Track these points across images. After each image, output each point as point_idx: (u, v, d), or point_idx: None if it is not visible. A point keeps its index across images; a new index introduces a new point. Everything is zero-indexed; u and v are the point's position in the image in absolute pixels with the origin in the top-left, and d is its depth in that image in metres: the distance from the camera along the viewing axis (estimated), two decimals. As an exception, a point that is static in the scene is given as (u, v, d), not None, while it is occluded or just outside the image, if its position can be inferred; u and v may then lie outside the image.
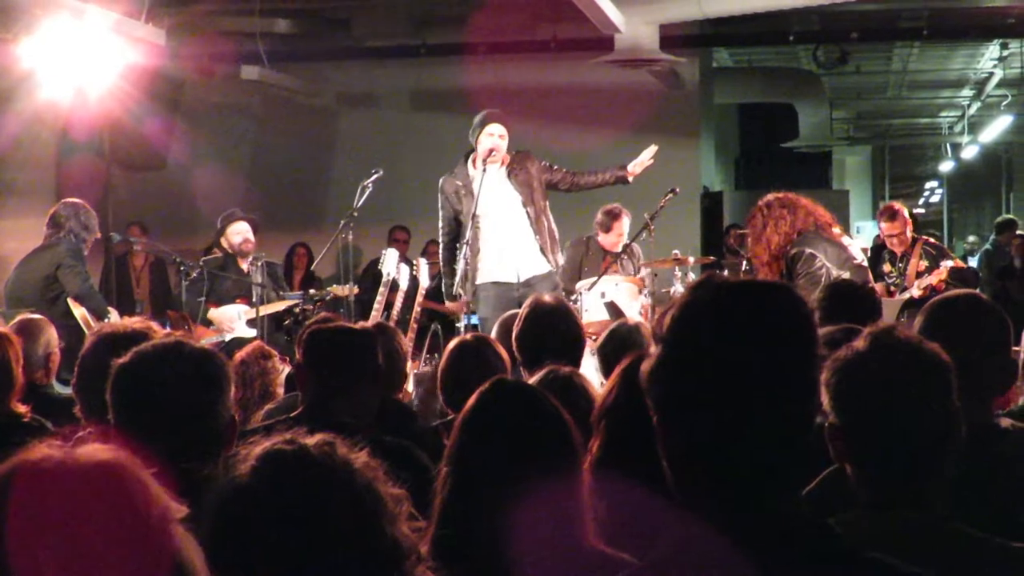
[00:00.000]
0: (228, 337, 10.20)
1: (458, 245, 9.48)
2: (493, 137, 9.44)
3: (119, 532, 1.58)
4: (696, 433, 1.87)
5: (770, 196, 8.92)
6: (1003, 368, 3.39)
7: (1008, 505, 2.96)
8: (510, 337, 5.77)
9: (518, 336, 5.52)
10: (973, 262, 19.68)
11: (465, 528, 2.71)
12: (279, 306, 10.18)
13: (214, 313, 10.41)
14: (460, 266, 9.30)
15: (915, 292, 10.66)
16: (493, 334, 6.44)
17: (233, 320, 10.42)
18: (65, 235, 9.58)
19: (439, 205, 9.69)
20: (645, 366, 1.94)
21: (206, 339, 10.10)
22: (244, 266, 10.53)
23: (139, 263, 13.71)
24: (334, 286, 10.37)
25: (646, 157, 9.71)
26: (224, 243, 10.68)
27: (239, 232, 10.63)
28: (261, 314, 10.04)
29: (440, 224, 9.72)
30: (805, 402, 1.89)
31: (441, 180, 9.70)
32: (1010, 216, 20.20)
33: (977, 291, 4.61)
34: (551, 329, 5.46)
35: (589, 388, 4.00)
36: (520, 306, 7.44)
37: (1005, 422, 3.31)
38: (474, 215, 9.34)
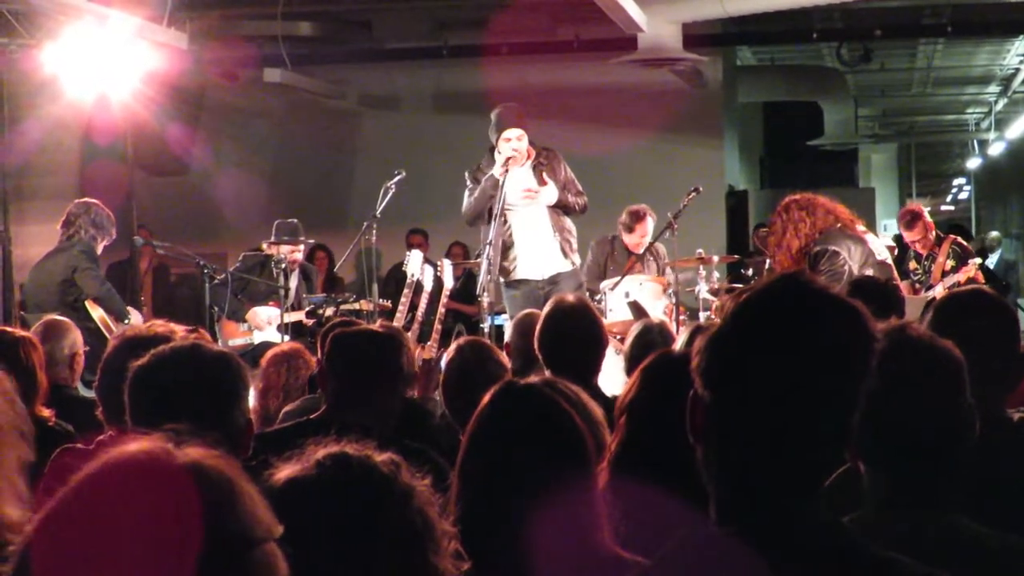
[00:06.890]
0: (257, 340, 10.23)
1: (481, 245, 9.42)
2: (510, 143, 9.33)
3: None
4: (741, 416, 1.86)
5: (788, 199, 8.78)
6: (1015, 363, 3.36)
7: (1020, 500, 2.94)
8: (524, 337, 5.72)
9: (539, 337, 5.45)
10: (993, 258, 19.62)
11: (481, 541, 2.64)
12: (303, 314, 10.24)
13: (249, 313, 10.45)
14: (484, 265, 9.22)
15: (939, 291, 10.59)
16: (508, 335, 6.41)
17: (264, 322, 10.44)
18: (75, 234, 9.56)
19: (467, 182, 9.56)
20: (707, 338, 1.91)
21: (233, 340, 10.14)
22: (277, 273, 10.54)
23: (144, 267, 13.67)
24: (362, 301, 10.30)
25: None
26: (270, 248, 10.65)
27: (293, 249, 10.65)
28: (286, 320, 10.06)
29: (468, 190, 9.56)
30: (853, 413, 1.89)
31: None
32: None
33: (985, 287, 4.56)
34: (572, 329, 5.40)
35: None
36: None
37: (1019, 416, 3.29)
38: (498, 213, 9.23)
